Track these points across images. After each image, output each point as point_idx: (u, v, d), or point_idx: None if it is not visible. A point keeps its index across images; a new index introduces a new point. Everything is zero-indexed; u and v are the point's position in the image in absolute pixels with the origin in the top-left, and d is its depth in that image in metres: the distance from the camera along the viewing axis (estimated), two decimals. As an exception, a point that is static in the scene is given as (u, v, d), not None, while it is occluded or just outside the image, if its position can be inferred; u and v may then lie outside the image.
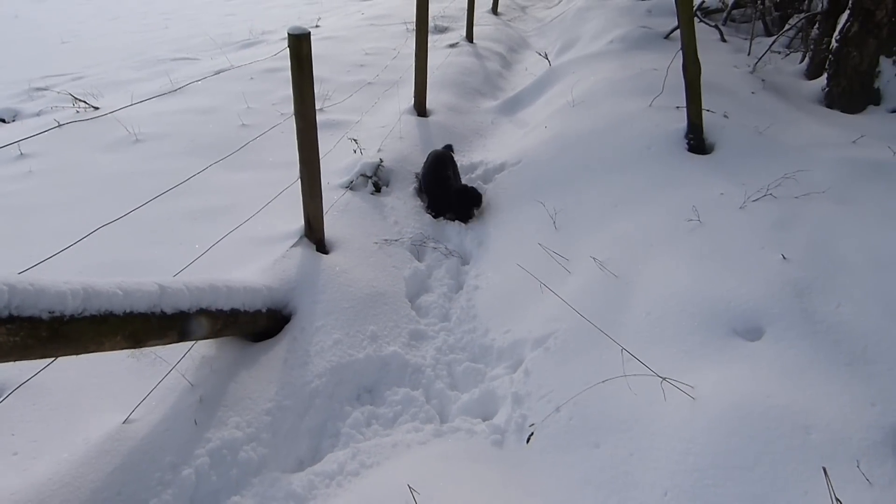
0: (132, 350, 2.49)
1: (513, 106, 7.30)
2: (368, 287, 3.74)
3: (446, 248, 4.55)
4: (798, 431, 2.23)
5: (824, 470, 1.99)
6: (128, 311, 2.22)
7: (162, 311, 2.40)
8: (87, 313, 2.03)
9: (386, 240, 4.32)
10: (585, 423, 2.70)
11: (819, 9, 6.47)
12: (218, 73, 6.62)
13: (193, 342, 2.94)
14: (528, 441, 2.77)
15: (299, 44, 3.30)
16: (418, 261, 4.35)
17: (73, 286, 2.00)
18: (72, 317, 1.97)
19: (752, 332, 2.84)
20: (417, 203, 5.09)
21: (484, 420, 3.07)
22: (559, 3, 13.35)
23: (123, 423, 2.59)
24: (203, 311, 2.65)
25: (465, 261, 4.54)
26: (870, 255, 3.10)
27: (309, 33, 3.32)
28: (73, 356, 2.12)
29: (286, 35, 3.34)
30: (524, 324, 3.57)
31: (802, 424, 2.25)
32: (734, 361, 2.67)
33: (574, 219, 4.30)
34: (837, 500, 1.92)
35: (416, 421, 3.06)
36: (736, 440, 2.26)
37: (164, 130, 6.01)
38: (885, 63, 5.31)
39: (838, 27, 5.41)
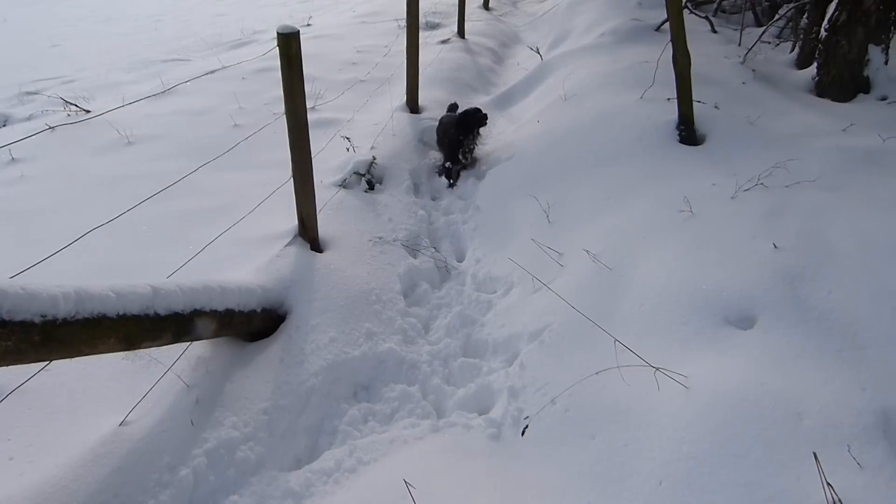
0: (126, 352, 2.50)
1: (505, 101, 7.30)
2: (363, 284, 3.75)
3: (438, 248, 4.58)
4: (791, 418, 2.25)
5: (815, 455, 2.01)
6: (121, 313, 2.23)
7: (155, 313, 2.40)
8: (79, 316, 2.04)
9: (380, 237, 4.33)
10: (581, 415, 2.72)
11: (808, -2, 6.48)
12: (209, 73, 6.61)
13: (188, 343, 2.94)
14: (522, 434, 2.78)
15: (288, 43, 3.30)
16: (413, 257, 4.36)
17: (64, 290, 2.00)
18: (64, 320, 1.98)
19: (745, 321, 2.85)
20: (411, 199, 5.10)
21: (480, 414, 3.09)
22: (550, -3, 13.33)
23: (120, 425, 2.60)
24: (197, 312, 2.66)
25: (460, 257, 4.56)
26: (860, 241, 3.11)
27: (298, 32, 3.32)
28: (67, 360, 2.13)
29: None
30: (519, 318, 3.59)
31: (795, 411, 2.27)
32: (727, 350, 2.68)
33: (567, 212, 4.31)
34: (829, 484, 1.94)
35: (413, 417, 3.07)
36: (729, 428, 2.27)
37: (156, 132, 6.01)
38: (873, 51, 5.32)
39: (827, 16, 5.42)
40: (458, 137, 5.44)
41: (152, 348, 2.57)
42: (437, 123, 5.88)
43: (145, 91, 7.30)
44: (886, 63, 5.40)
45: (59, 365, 2.27)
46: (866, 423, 2.20)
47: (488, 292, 4.03)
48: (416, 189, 5.31)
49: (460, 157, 5.54)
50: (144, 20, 16.03)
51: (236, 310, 2.96)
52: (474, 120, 5.45)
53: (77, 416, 2.68)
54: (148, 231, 4.06)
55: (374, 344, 3.41)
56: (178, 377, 2.86)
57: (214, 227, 3.67)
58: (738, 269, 3.10)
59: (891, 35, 5.43)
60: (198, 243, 3.43)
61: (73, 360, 2.16)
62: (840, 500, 1.92)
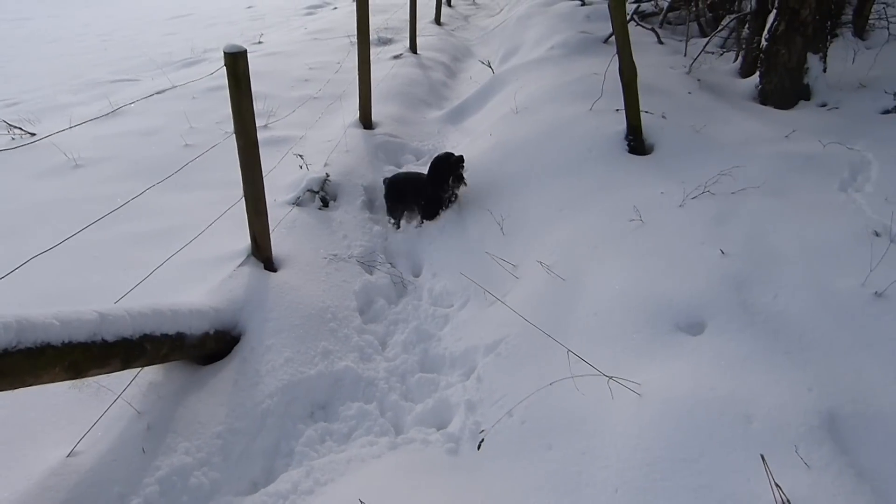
0: (74, 381, 2.43)
1: (458, 115, 7.36)
2: (319, 303, 3.72)
3: (394, 264, 4.57)
4: (740, 421, 2.30)
5: (762, 457, 2.05)
6: (66, 341, 2.18)
7: (103, 340, 2.35)
8: (21, 346, 1.99)
9: (335, 254, 4.30)
10: (538, 426, 2.73)
11: (748, 9, 6.69)
12: (158, 93, 6.50)
13: (139, 369, 2.88)
14: (478, 447, 2.78)
15: (236, 62, 3.28)
16: (368, 274, 4.34)
17: (5, 319, 1.95)
18: (5, 351, 1.93)
19: (695, 327, 2.91)
20: (366, 215, 5.08)
21: (438, 429, 3.08)
22: (501, 11, 13.52)
23: (68, 456, 2.52)
24: (147, 337, 2.60)
25: (416, 272, 4.56)
26: (802, 245, 3.21)
27: (245, 51, 3.30)
28: (10, 391, 2.06)
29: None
30: (476, 331, 3.60)
31: (744, 414, 2.32)
32: (678, 356, 2.73)
33: (521, 224, 4.35)
34: (777, 485, 1.98)
35: (371, 435, 3.05)
36: (681, 433, 2.32)
37: (104, 154, 5.87)
38: (812, 59, 5.51)
39: (767, 26, 5.60)
40: (438, 193, 4.94)
41: (101, 375, 2.51)
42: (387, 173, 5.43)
43: (93, 112, 7.14)
44: (825, 71, 5.60)
45: (1, 397, 2.19)
46: (812, 423, 2.26)
47: (445, 306, 4.04)
48: (370, 205, 5.30)
49: (443, 208, 5.01)
50: (92, 40, 15.70)
51: (188, 333, 2.91)
52: (451, 166, 4.91)
53: (22, 448, 2.59)
54: (97, 255, 3.96)
55: (330, 362, 3.38)
56: (129, 404, 2.79)
57: (166, 249, 3.59)
58: (688, 276, 3.17)
59: (828, 44, 5.65)
60: (149, 266, 3.35)
61: (16, 391, 2.09)
62: (788, 500, 1.97)
